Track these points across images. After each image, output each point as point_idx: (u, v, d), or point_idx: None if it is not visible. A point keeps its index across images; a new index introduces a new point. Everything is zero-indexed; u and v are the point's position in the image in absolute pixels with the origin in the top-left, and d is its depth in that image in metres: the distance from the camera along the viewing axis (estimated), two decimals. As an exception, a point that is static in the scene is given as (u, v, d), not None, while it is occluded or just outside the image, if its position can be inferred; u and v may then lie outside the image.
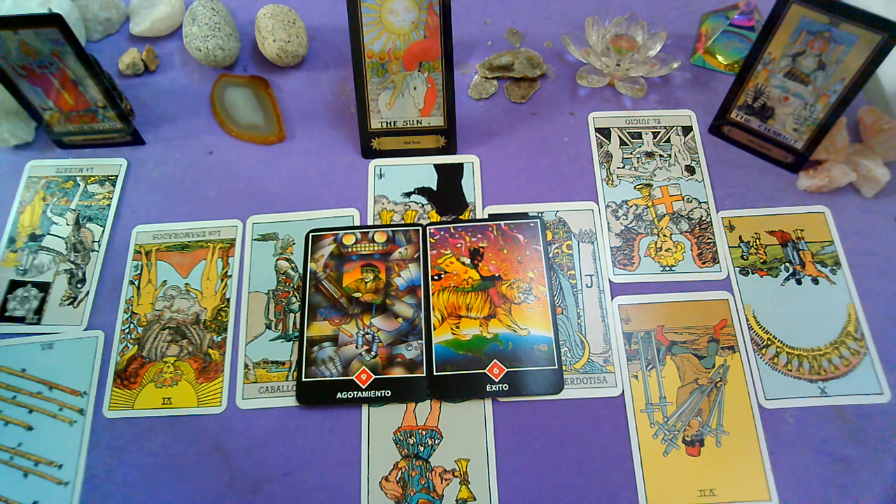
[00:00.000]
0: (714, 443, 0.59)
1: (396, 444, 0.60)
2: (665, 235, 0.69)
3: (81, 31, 0.80)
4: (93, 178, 0.74)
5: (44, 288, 0.68)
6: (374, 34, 0.66)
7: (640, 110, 0.76)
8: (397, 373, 0.62)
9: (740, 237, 0.68)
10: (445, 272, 0.66)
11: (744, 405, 0.60)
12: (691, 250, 0.68)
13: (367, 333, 0.64)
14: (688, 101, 0.77)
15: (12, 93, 0.69)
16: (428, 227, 0.69)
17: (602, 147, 0.74)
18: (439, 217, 0.70)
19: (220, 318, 0.66)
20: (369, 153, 0.74)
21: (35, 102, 0.70)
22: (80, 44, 0.65)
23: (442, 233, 0.68)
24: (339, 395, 0.61)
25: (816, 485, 0.57)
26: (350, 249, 0.68)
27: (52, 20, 0.62)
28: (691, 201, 0.71)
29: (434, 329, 0.63)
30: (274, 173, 0.73)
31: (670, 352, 0.63)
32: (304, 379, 0.62)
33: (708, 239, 0.68)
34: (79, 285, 0.68)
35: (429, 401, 0.61)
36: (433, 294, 0.65)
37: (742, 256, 0.67)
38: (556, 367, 0.62)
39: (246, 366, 0.63)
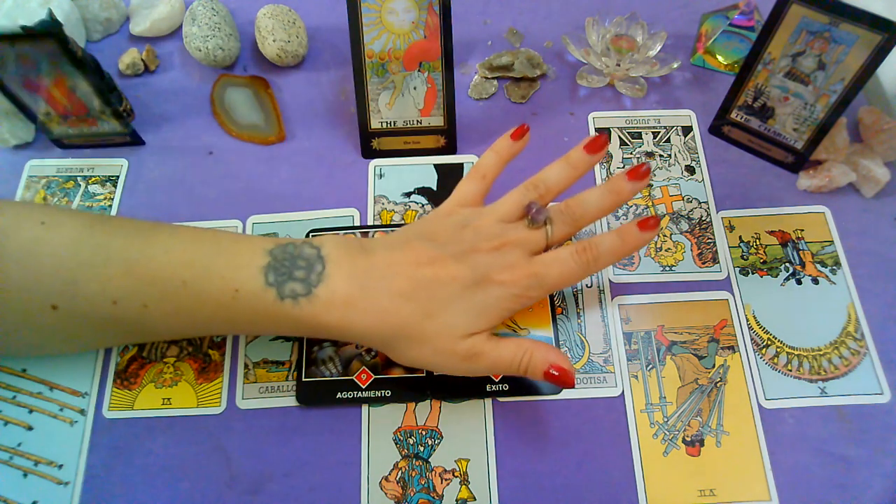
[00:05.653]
0: (714, 443, 0.59)
1: (396, 444, 0.60)
2: (665, 235, 0.69)
3: (81, 32, 0.80)
4: (94, 179, 0.74)
5: (44, 288, 0.68)
6: (374, 34, 0.66)
7: (640, 110, 0.76)
8: (397, 373, 0.61)
9: (740, 237, 0.68)
10: (445, 272, 0.66)
11: (744, 405, 0.60)
12: (691, 250, 0.68)
13: (367, 333, 0.63)
14: (688, 101, 0.77)
15: (10, 99, 0.69)
16: (428, 227, 0.69)
17: (602, 147, 0.74)
18: (439, 217, 0.70)
19: (220, 318, 0.66)
20: (369, 153, 0.74)
21: (33, 108, 0.70)
22: (77, 54, 0.64)
23: (442, 233, 0.68)
24: (339, 395, 0.61)
25: (816, 485, 0.57)
26: (350, 249, 0.68)
27: (49, 34, 0.61)
28: (691, 201, 0.71)
29: (434, 329, 0.63)
30: (274, 173, 0.73)
31: (670, 352, 0.63)
32: (304, 379, 0.62)
33: (708, 239, 0.68)
34: (79, 285, 0.68)
35: (429, 401, 0.61)
36: (433, 294, 0.65)
37: (742, 256, 0.67)
38: (556, 367, 0.62)
39: (246, 366, 0.63)
